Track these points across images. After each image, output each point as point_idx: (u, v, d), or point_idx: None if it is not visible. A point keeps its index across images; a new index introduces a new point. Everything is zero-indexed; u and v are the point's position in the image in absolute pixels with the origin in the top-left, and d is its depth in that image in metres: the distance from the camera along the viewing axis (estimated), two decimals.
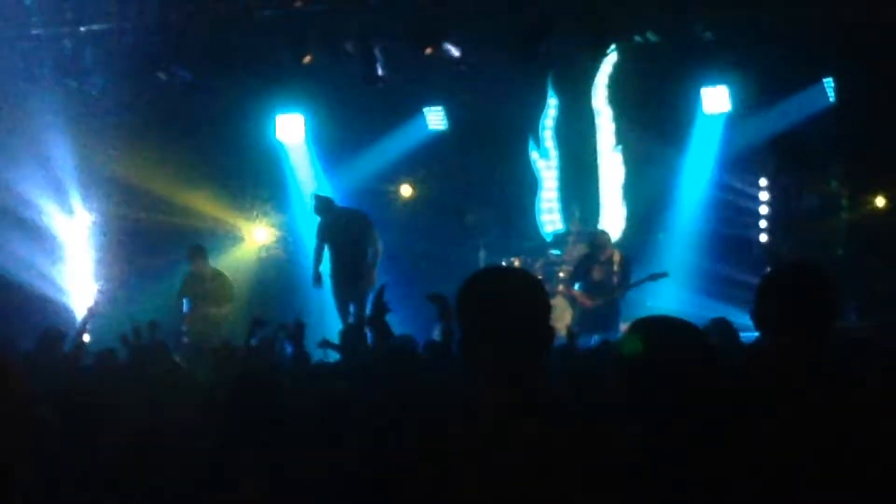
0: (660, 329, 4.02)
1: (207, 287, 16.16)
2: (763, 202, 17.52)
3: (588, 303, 15.73)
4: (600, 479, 3.35)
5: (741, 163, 17.39)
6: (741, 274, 15.54)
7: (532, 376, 3.47)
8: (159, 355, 9.20)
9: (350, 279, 15.43)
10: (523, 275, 3.75)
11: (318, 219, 16.01)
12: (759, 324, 4.36)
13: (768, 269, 4.63)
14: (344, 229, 15.59)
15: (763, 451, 3.83)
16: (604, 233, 16.27)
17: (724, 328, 8.76)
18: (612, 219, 17.95)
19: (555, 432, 3.37)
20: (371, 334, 8.24)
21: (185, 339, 14.89)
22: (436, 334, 13.89)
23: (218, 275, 16.52)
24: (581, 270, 15.97)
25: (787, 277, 4.43)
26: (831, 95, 16.60)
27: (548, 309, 3.58)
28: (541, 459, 3.34)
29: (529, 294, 3.56)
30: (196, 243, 16.66)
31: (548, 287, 16.33)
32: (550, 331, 3.56)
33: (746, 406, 3.98)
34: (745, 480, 3.78)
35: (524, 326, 3.48)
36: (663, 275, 15.66)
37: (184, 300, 16.16)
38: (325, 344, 10.33)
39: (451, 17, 15.77)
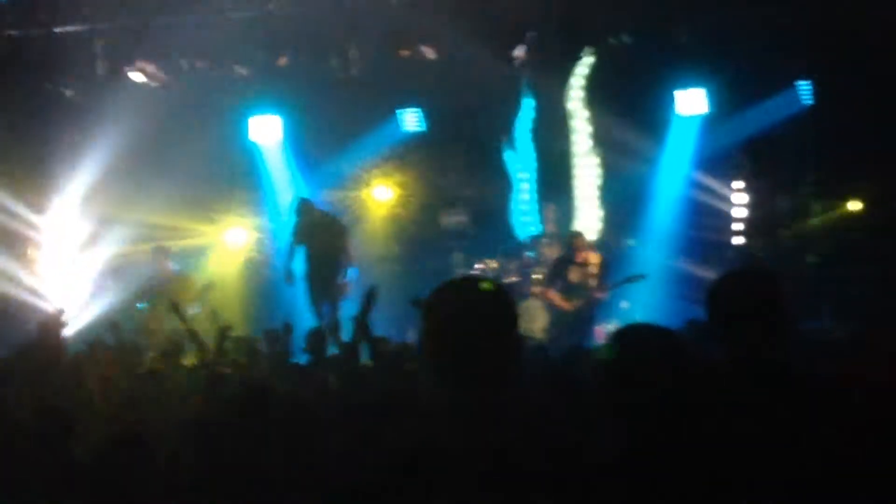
0: (641, 338, 4.01)
1: (173, 287, 16.08)
2: (737, 205, 17.55)
3: (565, 305, 15.69)
4: (571, 484, 3.38)
5: (716, 165, 17.43)
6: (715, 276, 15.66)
7: (500, 383, 3.49)
8: (132, 358, 9.18)
9: (324, 283, 15.48)
10: (494, 287, 3.76)
11: (293, 220, 16.04)
12: (711, 331, 4.38)
13: (716, 278, 4.60)
14: (321, 233, 15.63)
15: (731, 452, 3.86)
16: (579, 234, 16.19)
17: (698, 329, 8.78)
18: (587, 220, 17.98)
19: (523, 439, 3.39)
20: (353, 332, 8.22)
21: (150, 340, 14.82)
22: (411, 336, 13.94)
23: (182, 275, 16.50)
24: (557, 272, 15.92)
25: (731, 284, 4.45)
26: (807, 98, 16.67)
27: (515, 317, 3.60)
28: (509, 465, 3.35)
29: (495, 303, 3.58)
30: (158, 244, 16.61)
31: (523, 289, 16.39)
32: (518, 338, 3.59)
33: (713, 410, 4.00)
34: (717, 481, 3.80)
35: (490, 335, 3.51)
36: (640, 277, 15.68)
37: (143, 302, 16.14)
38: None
39: (427, 20, 15.76)
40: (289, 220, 16.40)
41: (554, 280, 15.85)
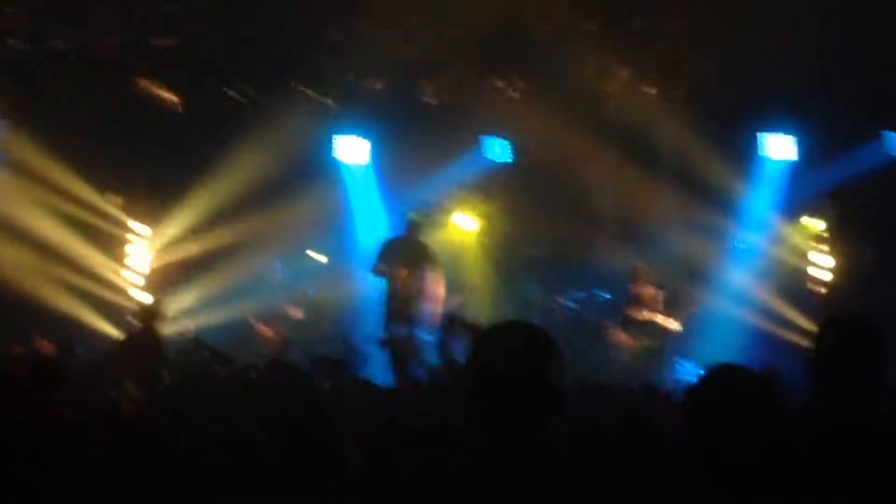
0: (731, 380, 3.93)
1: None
2: (824, 252, 17.36)
3: (630, 343, 15.60)
4: None
5: (803, 212, 17.28)
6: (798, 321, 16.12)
7: (532, 433, 3.51)
8: None
9: (404, 310, 15.36)
10: (535, 332, 3.73)
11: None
12: (813, 372, 4.36)
13: (827, 320, 4.57)
14: (409, 258, 15.54)
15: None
16: (638, 267, 16.17)
17: (774, 378, 8.70)
18: (663, 259, 17.89)
19: (545, 493, 3.42)
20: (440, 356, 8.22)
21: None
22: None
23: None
24: (620, 311, 15.90)
25: (847, 329, 4.40)
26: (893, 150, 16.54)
27: (558, 367, 3.59)
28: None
29: (536, 352, 3.59)
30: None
31: (597, 323, 16.34)
32: (557, 389, 3.57)
33: (804, 457, 3.96)
34: None
35: (528, 383, 3.52)
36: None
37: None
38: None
39: (519, 50, 15.77)
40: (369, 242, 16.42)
41: (619, 319, 15.80)
